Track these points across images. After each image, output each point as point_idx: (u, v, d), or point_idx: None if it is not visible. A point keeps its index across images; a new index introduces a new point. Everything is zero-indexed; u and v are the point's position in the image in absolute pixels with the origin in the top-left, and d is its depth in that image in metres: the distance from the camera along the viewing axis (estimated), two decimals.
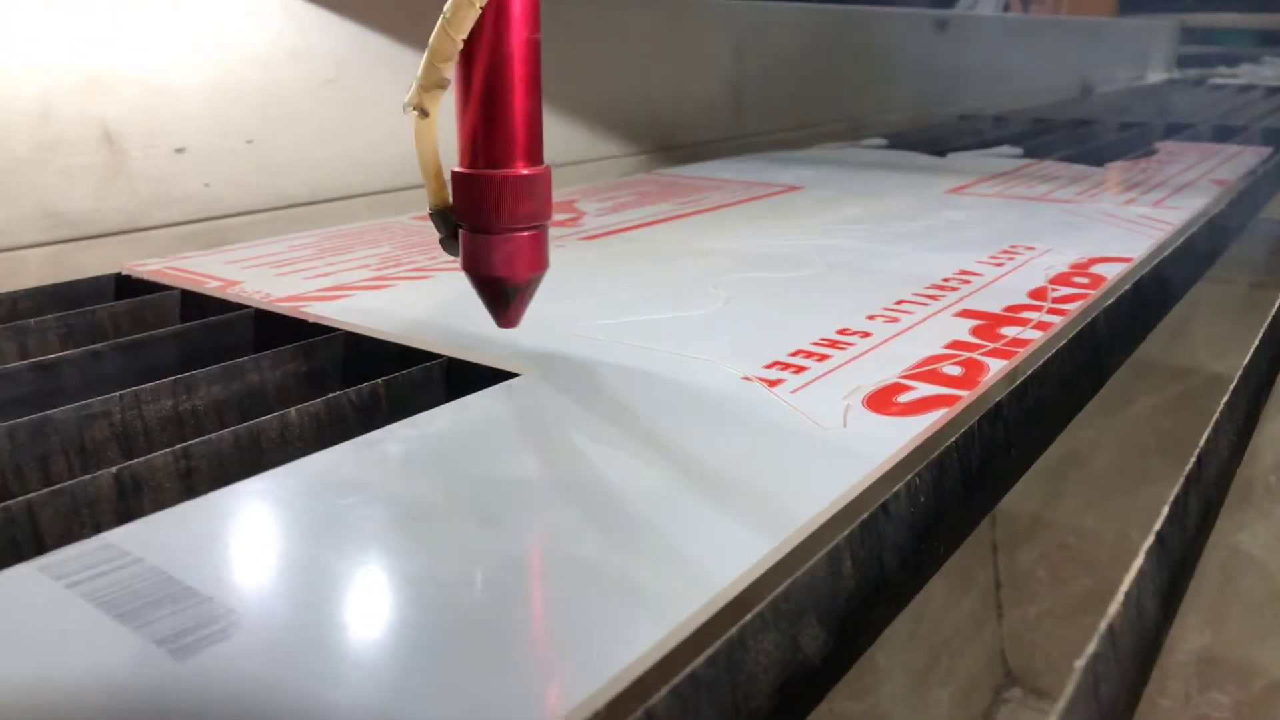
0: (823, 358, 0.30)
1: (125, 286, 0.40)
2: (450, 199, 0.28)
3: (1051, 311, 0.35)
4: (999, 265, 0.42)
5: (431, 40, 0.26)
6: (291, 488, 0.22)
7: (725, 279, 0.40)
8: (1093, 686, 0.16)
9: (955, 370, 0.29)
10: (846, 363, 0.30)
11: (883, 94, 1.10)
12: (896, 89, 1.13)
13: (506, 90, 0.27)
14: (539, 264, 0.28)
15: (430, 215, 0.29)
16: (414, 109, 0.27)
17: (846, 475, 0.22)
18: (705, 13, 0.83)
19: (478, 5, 0.25)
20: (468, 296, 0.29)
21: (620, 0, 0.74)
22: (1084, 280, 0.39)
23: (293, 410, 0.27)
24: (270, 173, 0.52)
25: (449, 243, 0.29)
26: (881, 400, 0.27)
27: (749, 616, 0.18)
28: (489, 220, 0.27)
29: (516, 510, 0.21)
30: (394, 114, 0.27)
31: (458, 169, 0.28)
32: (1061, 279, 0.39)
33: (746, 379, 0.29)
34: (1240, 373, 0.30)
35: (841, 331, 0.33)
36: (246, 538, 0.20)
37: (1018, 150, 0.81)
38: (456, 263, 0.29)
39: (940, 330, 0.33)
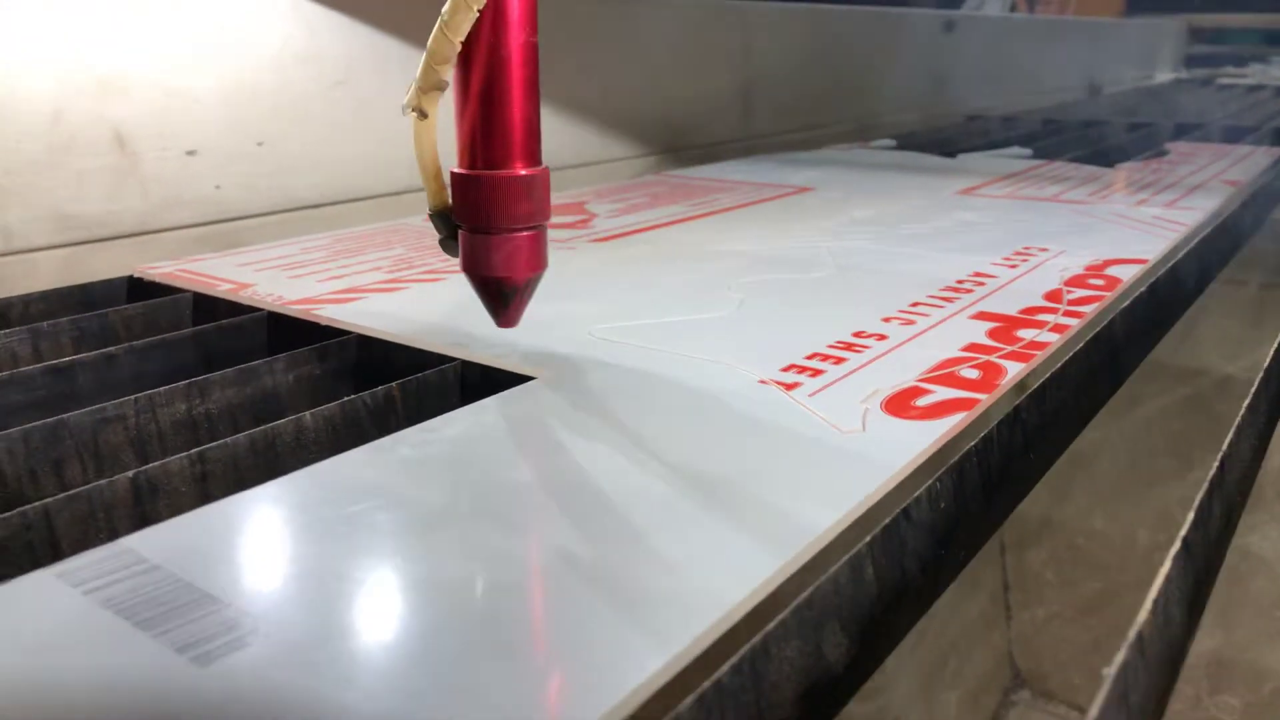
0: (839, 360, 0.30)
1: (137, 289, 0.40)
2: (449, 200, 0.28)
3: (1068, 314, 0.35)
4: (1013, 267, 0.41)
5: (430, 43, 0.26)
6: (308, 493, 0.22)
7: (739, 281, 0.40)
8: (1122, 695, 0.16)
9: (973, 374, 0.29)
10: (863, 365, 0.30)
11: (891, 95, 1.09)
12: (904, 90, 1.12)
13: (504, 92, 0.27)
14: (538, 264, 0.28)
15: (430, 216, 0.29)
16: (413, 110, 0.27)
17: (867, 480, 0.22)
18: (715, 14, 0.83)
19: (475, 8, 0.25)
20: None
21: (630, 2, 0.74)
22: (1099, 282, 0.39)
23: (308, 414, 0.27)
24: (281, 175, 0.52)
25: (449, 243, 0.29)
26: (900, 404, 0.27)
27: (772, 624, 0.17)
28: (488, 221, 0.27)
29: (535, 516, 0.21)
30: (403, 116, 0.28)
31: (456, 170, 0.28)
32: (1077, 281, 0.39)
33: (763, 382, 0.28)
34: (1261, 375, 0.30)
35: (857, 334, 0.32)
36: (265, 543, 0.20)
37: (1027, 151, 0.81)
38: None
39: (956, 333, 0.33)
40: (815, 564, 0.19)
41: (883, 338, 0.32)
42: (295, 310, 0.35)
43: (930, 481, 0.23)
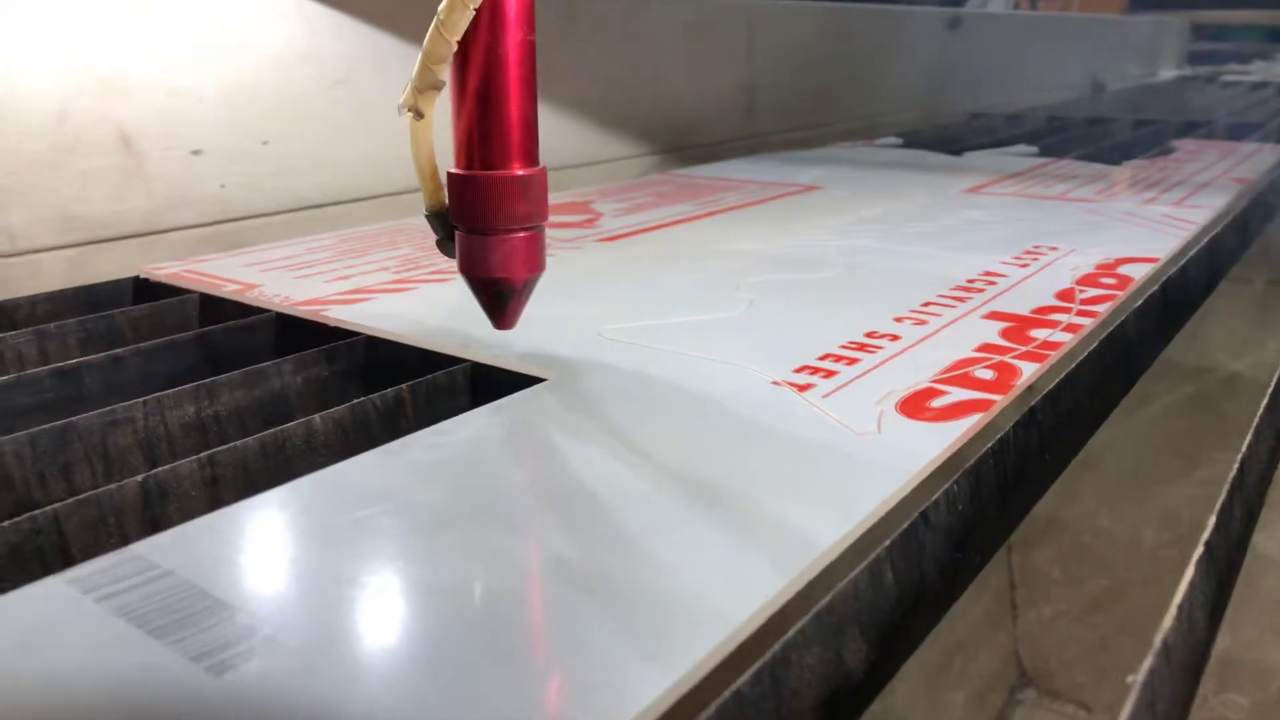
0: (852, 361, 0.30)
1: (143, 290, 0.40)
2: (446, 201, 0.28)
3: (1080, 313, 0.35)
4: (1024, 266, 0.41)
5: (426, 42, 0.26)
6: (319, 498, 0.22)
7: (747, 280, 0.39)
8: (1150, 703, 0.16)
9: (987, 374, 0.29)
10: (877, 366, 0.29)
11: (894, 93, 1.09)
12: (908, 88, 1.12)
13: (501, 91, 0.26)
14: (536, 265, 0.28)
15: (426, 217, 0.29)
16: (409, 110, 0.27)
17: (885, 483, 0.22)
18: (719, 12, 0.82)
19: (471, 7, 0.25)
20: None
21: (634, 0, 0.74)
22: (1111, 281, 0.39)
23: (317, 416, 0.27)
24: (285, 174, 0.52)
25: (446, 244, 0.29)
26: (915, 405, 0.26)
27: (792, 632, 0.17)
28: (485, 221, 0.27)
29: (549, 521, 0.21)
30: (399, 116, 0.27)
31: (453, 170, 0.28)
32: (1088, 280, 0.39)
33: (776, 383, 0.28)
34: (1278, 376, 0.30)
35: (869, 334, 0.32)
36: (277, 549, 0.20)
37: (1033, 149, 0.80)
38: None
39: (969, 333, 0.32)
40: (836, 570, 0.19)
41: (895, 338, 0.32)
42: (303, 311, 0.35)
43: (948, 485, 0.23)
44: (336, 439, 0.27)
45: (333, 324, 0.34)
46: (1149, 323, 0.37)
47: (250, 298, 0.37)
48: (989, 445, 0.25)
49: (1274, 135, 0.88)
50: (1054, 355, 0.30)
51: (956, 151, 0.79)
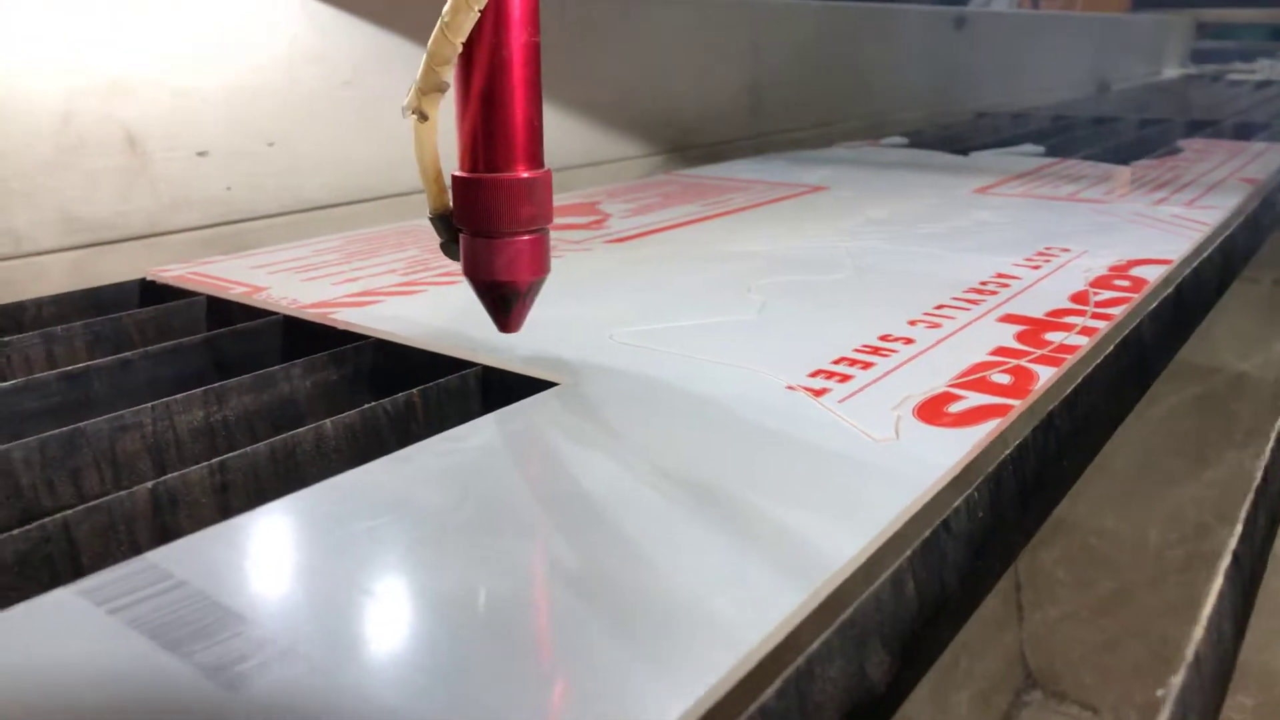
0: (867, 365, 0.29)
1: (150, 292, 0.40)
2: (451, 203, 0.28)
3: (1095, 316, 0.34)
4: (1036, 268, 0.41)
5: (430, 44, 0.26)
6: (332, 505, 0.21)
7: (758, 283, 0.39)
8: (1182, 718, 0.16)
9: (1004, 379, 0.28)
10: (892, 370, 0.29)
11: (899, 92, 1.09)
12: (912, 87, 1.12)
13: (506, 93, 0.26)
14: (541, 268, 0.28)
15: (430, 220, 0.29)
16: (413, 113, 0.27)
17: (906, 491, 0.21)
18: (723, 11, 0.82)
19: (476, 8, 0.25)
20: None
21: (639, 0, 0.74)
22: (1125, 283, 0.38)
23: (328, 422, 0.26)
24: (290, 175, 0.51)
25: (450, 247, 0.29)
26: (932, 410, 0.26)
27: (816, 645, 0.17)
28: (490, 224, 0.27)
29: (564, 531, 0.20)
30: (404, 118, 0.27)
31: (458, 173, 0.27)
32: (1102, 282, 0.38)
33: (791, 388, 0.28)
34: None
35: (884, 337, 0.32)
36: (289, 559, 0.20)
37: (1040, 149, 0.80)
38: None
39: (984, 336, 0.32)
40: (859, 579, 0.19)
41: (910, 341, 0.32)
42: (311, 314, 0.35)
43: (969, 492, 0.22)
44: (347, 444, 0.27)
45: (341, 327, 0.34)
46: (1163, 325, 0.37)
47: (258, 300, 0.37)
48: (1008, 451, 0.24)
49: None
50: (1070, 359, 0.30)
51: (963, 151, 0.78)
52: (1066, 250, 0.44)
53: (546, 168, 0.28)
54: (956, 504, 0.22)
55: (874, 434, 0.25)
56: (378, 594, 0.18)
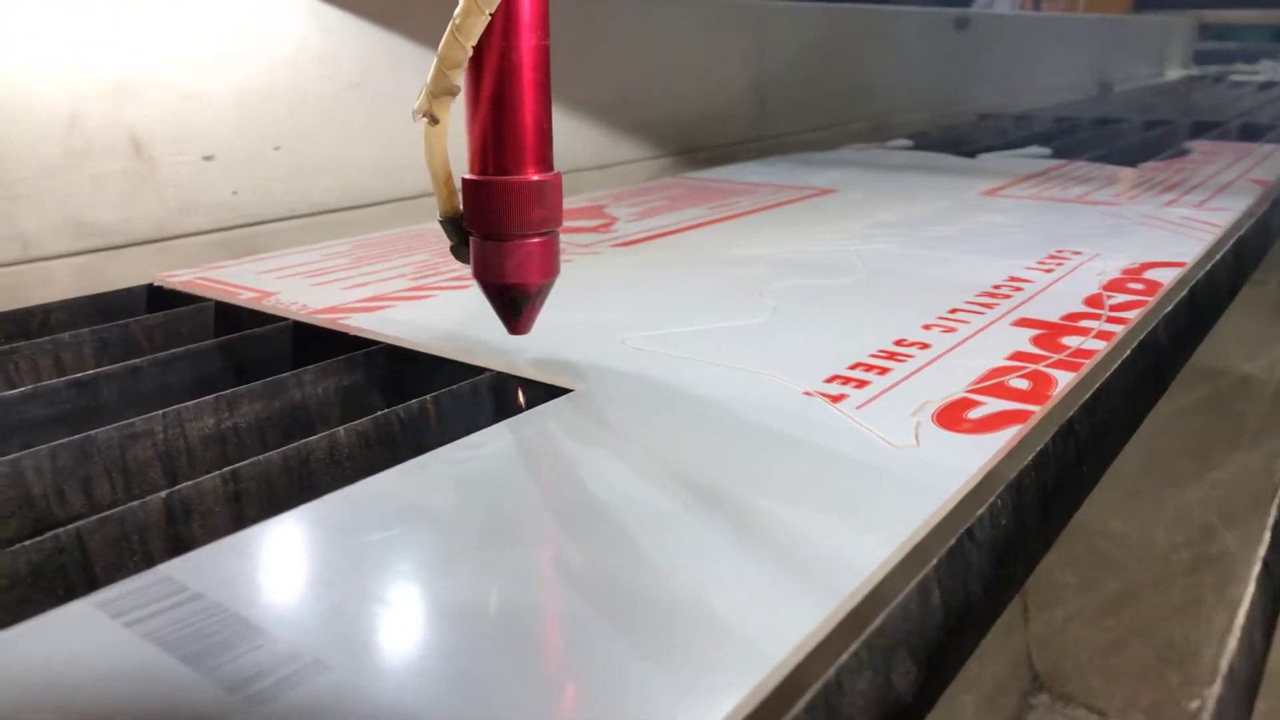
0: (883, 371, 0.29)
1: (157, 297, 0.39)
2: (460, 206, 0.28)
3: (1111, 320, 0.34)
4: (1049, 271, 0.41)
5: (441, 47, 0.26)
6: (348, 515, 0.21)
7: (769, 286, 0.39)
8: None
9: (1023, 384, 0.28)
10: (909, 376, 0.29)
11: (902, 94, 1.09)
12: (916, 88, 1.11)
13: (516, 96, 0.26)
14: (550, 270, 0.28)
15: (440, 223, 0.29)
16: (423, 116, 0.27)
17: (930, 499, 0.21)
18: (728, 13, 0.82)
19: (487, 12, 0.25)
20: None
21: (644, 1, 0.73)
22: (1139, 286, 0.38)
23: (341, 429, 0.26)
24: (298, 179, 0.51)
25: (460, 250, 0.29)
26: (952, 416, 0.26)
27: (845, 657, 0.17)
28: (500, 227, 0.27)
29: (585, 541, 0.20)
30: (414, 122, 0.27)
31: (468, 176, 0.27)
32: (1116, 285, 0.38)
33: (808, 394, 0.28)
34: None
35: (899, 342, 0.32)
36: (307, 570, 0.19)
37: (1046, 150, 0.80)
38: None
39: (1000, 340, 0.32)
40: (885, 590, 0.18)
41: (925, 346, 0.31)
42: (321, 319, 0.35)
43: (992, 499, 0.22)
44: (360, 452, 0.27)
45: (352, 332, 0.33)
46: (1179, 329, 0.37)
47: (267, 305, 0.36)
48: (1030, 458, 0.24)
49: None
50: (1088, 364, 0.30)
51: (969, 153, 0.78)
52: (1078, 253, 0.44)
53: (556, 170, 0.28)
54: (980, 512, 0.22)
55: (894, 441, 0.24)
56: (397, 606, 0.18)
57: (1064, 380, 0.28)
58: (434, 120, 0.27)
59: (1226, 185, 0.61)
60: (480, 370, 0.30)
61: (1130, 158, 0.73)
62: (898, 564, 0.19)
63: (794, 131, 0.90)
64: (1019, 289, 0.38)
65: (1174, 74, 1.86)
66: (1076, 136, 0.90)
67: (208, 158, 0.47)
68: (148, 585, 0.18)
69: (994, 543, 0.22)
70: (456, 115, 0.27)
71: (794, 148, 0.87)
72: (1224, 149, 0.78)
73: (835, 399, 0.27)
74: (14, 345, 0.33)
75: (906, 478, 0.22)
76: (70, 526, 0.21)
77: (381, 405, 0.31)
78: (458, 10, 0.25)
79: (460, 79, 0.26)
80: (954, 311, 0.35)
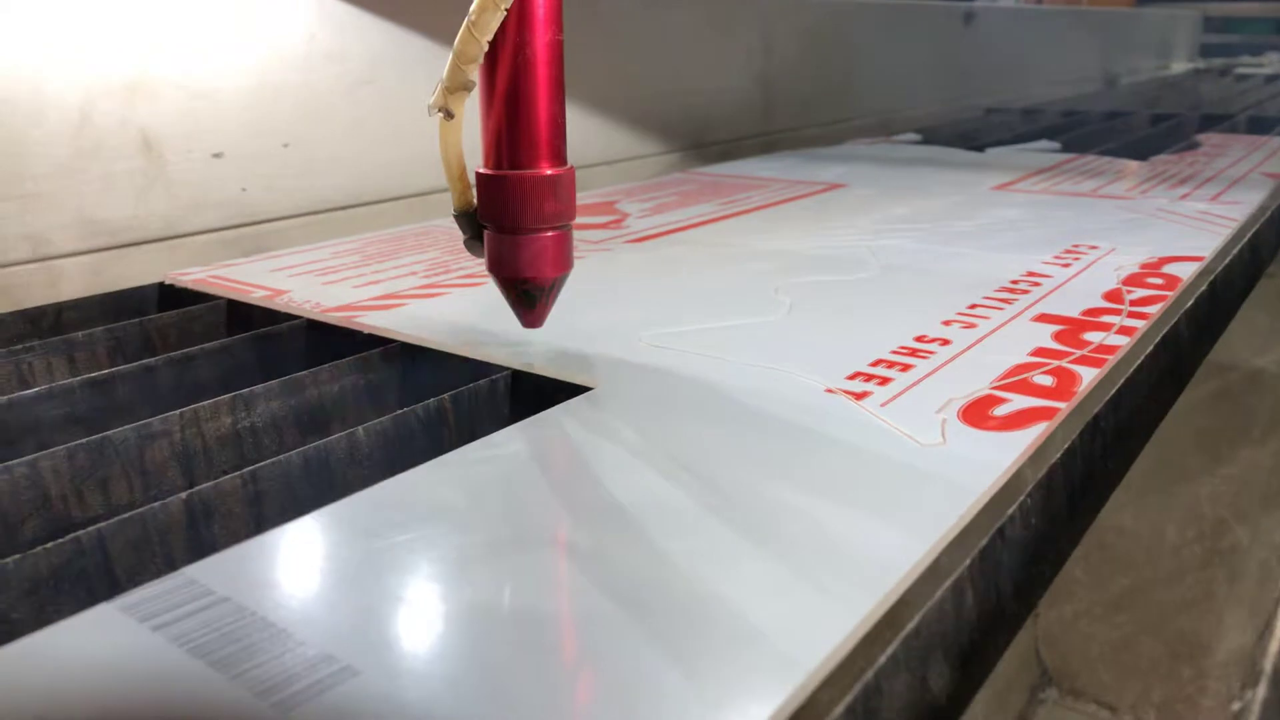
0: (905, 367, 0.29)
1: (169, 296, 0.39)
2: (475, 200, 0.28)
3: (1131, 315, 0.34)
4: (1066, 266, 0.40)
5: (456, 43, 0.26)
6: (370, 517, 0.21)
7: (784, 283, 0.38)
8: None
9: (1047, 380, 0.28)
10: (932, 372, 0.28)
11: (909, 88, 1.08)
12: (923, 83, 1.11)
13: (531, 91, 0.27)
14: (564, 264, 0.28)
15: (455, 217, 0.29)
16: (439, 111, 0.27)
17: (960, 498, 0.21)
18: (734, 8, 0.82)
19: (502, 7, 0.25)
20: None
21: None
22: (1158, 281, 0.38)
23: (360, 429, 0.26)
24: (307, 176, 0.51)
25: (473, 244, 0.29)
26: (977, 414, 0.26)
27: (883, 659, 0.16)
28: (514, 221, 0.27)
29: (609, 542, 0.20)
30: (429, 116, 0.27)
31: (482, 170, 0.28)
32: (1134, 280, 0.38)
33: (830, 391, 0.27)
34: None
35: (920, 338, 0.31)
36: (332, 572, 0.19)
37: (1055, 144, 0.79)
38: None
39: (1021, 336, 0.32)
40: (919, 591, 0.18)
41: (946, 342, 0.31)
42: (334, 318, 0.34)
43: (1022, 498, 0.22)
44: (380, 451, 0.26)
45: (366, 330, 0.33)
46: (1199, 323, 0.36)
47: (279, 304, 0.36)
48: (1058, 455, 0.24)
49: None
50: (1111, 359, 0.30)
51: (979, 147, 0.78)
52: (1095, 247, 0.43)
53: (570, 165, 0.28)
54: (1011, 510, 0.21)
55: (920, 438, 0.24)
56: (425, 610, 0.18)
57: (1088, 377, 0.28)
58: (449, 115, 0.27)
59: (1240, 178, 0.61)
60: (497, 368, 0.30)
61: (1140, 151, 0.73)
62: (931, 564, 0.19)
63: (801, 126, 0.90)
64: (1037, 284, 0.38)
65: (1179, 67, 1.86)
66: (1084, 130, 0.90)
67: (217, 155, 0.47)
68: (175, 588, 0.18)
69: (1025, 542, 0.22)
70: (471, 110, 0.27)
71: (799, 143, 0.87)
72: (1234, 142, 0.78)
73: (859, 396, 0.27)
74: (27, 344, 0.32)
75: (936, 476, 0.22)
76: (91, 529, 0.21)
77: (397, 404, 0.31)
78: (474, 6, 0.25)
79: (475, 74, 0.27)
80: (973, 307, 0.35)
